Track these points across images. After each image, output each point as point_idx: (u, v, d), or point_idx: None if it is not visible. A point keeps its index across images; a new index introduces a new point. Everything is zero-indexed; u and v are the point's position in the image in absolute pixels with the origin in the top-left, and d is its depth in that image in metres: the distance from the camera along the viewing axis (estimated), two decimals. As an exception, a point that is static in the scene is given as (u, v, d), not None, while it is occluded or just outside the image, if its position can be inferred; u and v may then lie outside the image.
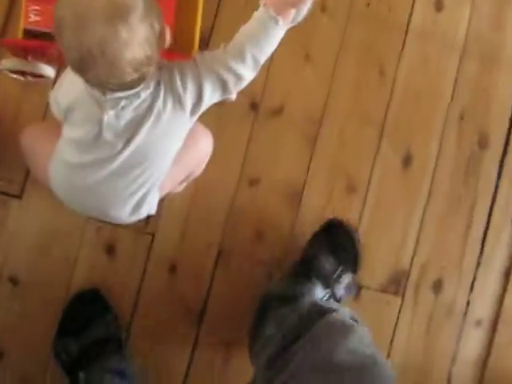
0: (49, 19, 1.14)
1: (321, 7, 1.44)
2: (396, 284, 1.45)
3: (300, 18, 1.07)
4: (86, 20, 0.88)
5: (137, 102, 1.02)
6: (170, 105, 1.04)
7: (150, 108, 1.03)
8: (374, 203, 1.45)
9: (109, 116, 1.02)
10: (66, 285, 1.36)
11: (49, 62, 1.29)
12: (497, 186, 1.48)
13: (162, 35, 0.98)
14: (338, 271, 1.28)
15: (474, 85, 1.49)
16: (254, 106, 1.42)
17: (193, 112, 1.08)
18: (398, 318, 1.43)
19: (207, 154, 1.30)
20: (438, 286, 1.46)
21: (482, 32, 1.50)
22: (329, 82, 1.45)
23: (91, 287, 1.34)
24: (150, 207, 1.19)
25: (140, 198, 1.14)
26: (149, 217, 1.33)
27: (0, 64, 1.28)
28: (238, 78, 1.05)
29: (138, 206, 1.15)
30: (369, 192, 1.45)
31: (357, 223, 1.43)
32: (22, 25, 1.22)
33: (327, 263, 1.28)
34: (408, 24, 1.48)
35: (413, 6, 1.48)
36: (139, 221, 1.27)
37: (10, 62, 1.27)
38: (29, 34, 1.22)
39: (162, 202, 1.34)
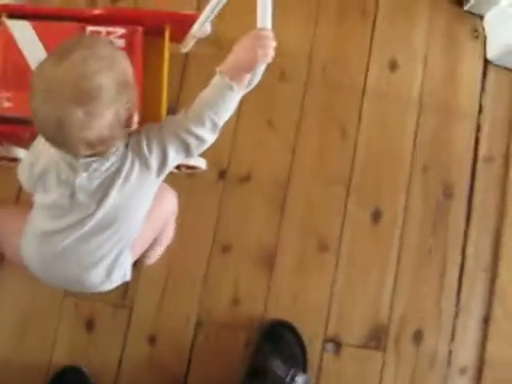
0: (21, 105, 1.29)
1: (279, 75, 1.60)
2: (376, 339, 1.55)
3: (255, 81, 1.17)
4: (53, 95, 1.02)
5: (107, 165, 1.13)
6: (137, 167, 1.15)
7: (119, 170, 1.14)
8: (347, 260, 1.56)
9: (81, 178, 1.13)
10: (46, 365, 1.45)
11: (21, 145, 1.40)
12: (466, 235, 1.60)
13: (128, 119, 1.10)
14: (290, 374, 1.37)
15: (433, 138, 1.63)
16: (221, 175, 1.54)
17: (159, 173, 1.18)
18: (381, 372, 1.51)
19: (173, 211, 1.40)
20: (418, 338, 1.55)
21: (435, 87, 1.66)
22: (292, 147, 1.58)
23: (72, 364, 1.46)
24: (123, 271, 1.27)
25: (112, 260, 1.22)
26: (126, 288, 1.47)
27: None
28: (200, 140, 1.15)
29: (110, 268, 1.23)
30: (341, 250, 1.56)
31: (331, 281, 1.58)
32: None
33: (278, 369, 1.37)
34: (364, 85, 1.63)
35: (367, 67, 1.64)
36: (116, 291, 1.40)
37: None
38: (1, 119, 1.33)
39: (138, 273, 1.48)
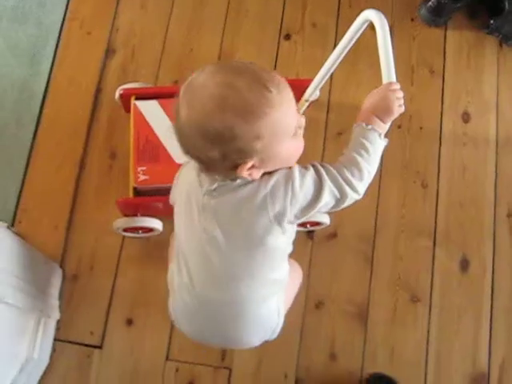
0: (155, 177, 1.50)
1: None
2: None
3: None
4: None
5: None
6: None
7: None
8: (440, 310, 1.63)
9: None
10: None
11: (155, 214, 1.58)
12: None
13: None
14: None
15: (514, 183, 1.76)
16: (309, 234, 1.67)
17: (294, 218, 1.11)
18: None
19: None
20: (519, 385, 1.63)
21: (510, 131, 1.79)
22: (376, 202, 1.70)
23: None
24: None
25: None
26: (224, 349, 1.59)
27: (114, 225, 1.56)
28: (353, 190, 1.12)
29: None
30: (433, 300, 1.64)
31: (426, 333, 1.66)
32: (131, 184, 1.51)
33: None
34: (440, 137, 1.76)
35: (441, 122, 1.78)
36: (215, 353, 1.54)
37: (121, 222, 1.55)
38: (139, 192, 1.54)
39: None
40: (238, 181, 1.07)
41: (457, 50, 1.87)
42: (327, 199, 1.11)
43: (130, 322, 1.61)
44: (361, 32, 1.23)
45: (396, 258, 1.69)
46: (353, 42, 1.27)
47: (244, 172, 1.03)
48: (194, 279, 1.18)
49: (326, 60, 1.36)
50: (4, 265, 1.32)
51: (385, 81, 1.15)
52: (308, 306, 1.64)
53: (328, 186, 1.10)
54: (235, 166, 1.03)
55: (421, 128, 1.79)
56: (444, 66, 1.85)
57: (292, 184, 1.07)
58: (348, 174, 1.11)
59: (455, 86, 1.83)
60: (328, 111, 1.78)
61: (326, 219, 1.61)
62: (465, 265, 1.69)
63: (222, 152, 1.00)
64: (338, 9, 1.88)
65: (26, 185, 1.69)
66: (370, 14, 1.16)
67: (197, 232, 1.14)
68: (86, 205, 1.69)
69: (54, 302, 1.59)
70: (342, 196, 1.12)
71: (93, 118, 1.75)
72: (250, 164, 1.02)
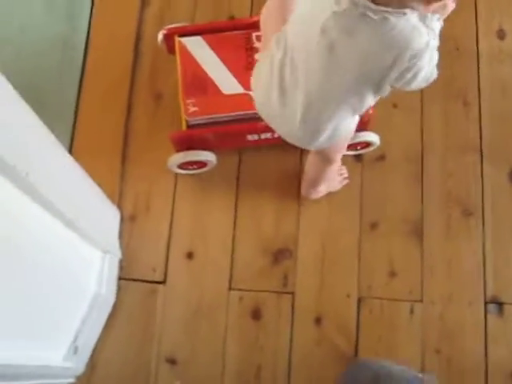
0: (205, 108, 1.58)
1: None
2: None
3: None
4: None
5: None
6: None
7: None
8: (492, 221, 1.71)
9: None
10: (221, 356, 1.65)
11: (209, 148, 1.65)
12: None
13: None
14: None
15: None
16: (358, 157, 1.76)
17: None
18: None
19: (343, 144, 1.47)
20: None
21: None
22: (419, 123, 1.78)
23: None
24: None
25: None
26: (286, 275, 1.67)
27: (169, 162, 1.65)
28: None
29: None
30: (485, 212, 1.71)
31: (481, 244, 1.72)
32: (183, 117, 1.59)
33: None
34: (478, 56, 1.85)
35: (477, 41, 1.87)
36: (277, 279, 1.64)
37: (176, 158, 1.63)
38: (189, 127, 1.60)
39: (294, 261, 1.70)
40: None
41: (487, -30, 1.95)
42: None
43: (190, 255, 1.70)
44: None
45: (445, 175, 1.77)
46: None
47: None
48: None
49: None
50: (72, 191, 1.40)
51: None
52: (363, 227, 1.73)
53: None
54: None
55: (457, 49, 1.88)
56: (474, -7, 1.93)
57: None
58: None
59: (488, 4, 1.92)
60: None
61: (376, 139, 1.69)
62: (514, 173, 1.77)
63: None
64: None
65: (76, 134, 1.79)
66: None
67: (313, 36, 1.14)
68: (137, 146, 1.78)
69: (115, 241, 1.68)
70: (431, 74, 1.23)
71: (135, 66, 1.85)
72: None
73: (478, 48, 1.88)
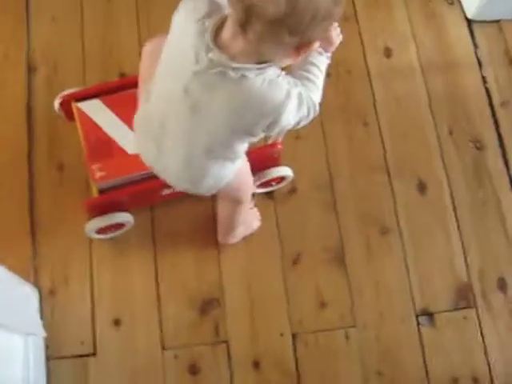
0: (113, 171, 1.57)
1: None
2: (464, 298, 1.71)
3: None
4: None
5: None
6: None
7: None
8: (410, 235, 1.76)
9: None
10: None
11: (122, 209, 1.64)
12: (510, 176, 1.85)
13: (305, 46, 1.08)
14: None
15: (446, 100, 1.91)
16: (268, 194, 1.78)
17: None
18: (480, 327, 1.68)
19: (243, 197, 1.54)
20: (503, 285, 1.73)
21: (432, 56, 1.97)
22: (324, 151, 1.83)
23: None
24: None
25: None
26: (217, 325, 1.67)
27: (86, 228, 1.62)
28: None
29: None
30: (401, 227, 1.76)
31: (402, 258, 1.75)
32: (92, 184, 1.58)
33: None
34: (369, 76, 1.92)
35: (366, 62, 1.94)
36: (208, 331, 1.64)
37: (94, 223, 1.61)
38: (101, 191, 1.59)
39: (222, 308, 1.69)
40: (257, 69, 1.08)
41: (362, -6, 2.03)
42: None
43: (117, 322, 1.68)
44: None
45: (357, 198, 1.82)
46: None
47: (302, 53, 1.09)
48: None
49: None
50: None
51: None
52: (285, 263, 1.75)
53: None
54: (298, 46, 1.06)
55: (349, 72, 1.94)
56: (355, 12, 2.02)
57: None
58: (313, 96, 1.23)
59: (370, 27, 2.00)
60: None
61: (289, 172, 1.73)
62: (422, 187, 1.83)
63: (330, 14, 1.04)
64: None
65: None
66: None
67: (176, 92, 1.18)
68: (46, 220, 1.76)
69: (36, 321, 1.64)
70: (309, 115, 1.24)
71: (31, 138, 1.83)
72: (316, 45, 1.10)
73: (368, 69, 1.95)
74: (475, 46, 1.99)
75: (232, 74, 1.08)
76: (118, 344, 1.67)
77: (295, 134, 1.85)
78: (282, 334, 1.69)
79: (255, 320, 1.70)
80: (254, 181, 1.68)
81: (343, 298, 1.73)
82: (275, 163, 1.67)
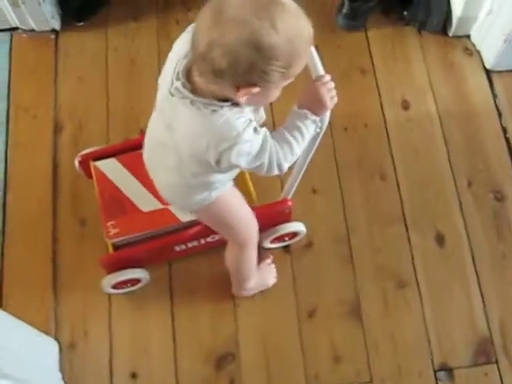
0: (126, 228, 1.64)
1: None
2: (484, 353, 1.70)
3: (324, 126, 1.30)
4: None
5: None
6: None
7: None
8: (428, 289, 1.76)
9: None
10: None
11: (139, 264, 1.71)
12: (532, 232, 1.85)
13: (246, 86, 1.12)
14: None
15: (465, 151, 1.92)
16: (285, 248, 1.82)
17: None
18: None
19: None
20: (524, 339, 1.74)
21: (451, 108, 1.99)
22: (341, 204, 1.86)
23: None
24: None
25: None
26: (232, 380, 1.71)
27: (103, 283, 1.69)
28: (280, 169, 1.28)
29: None
30: (419, 281, 1.77)
31: (421, 313, 1.75)
32: (106, 240, 1.65)
33: None
34: (386, 129, 1.95)
35: (384, 115, 1.98)
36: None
37: (109, 279, 1.68)
38: (116, 247, 1.67)
39: (238, 365, 1.73)
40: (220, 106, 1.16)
41: (381, 47, 2.09)
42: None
43: (134, 375, 1.73)
44: None
45: (374, 251, 1.83)
46: None
47: (242, 94, 1.13)
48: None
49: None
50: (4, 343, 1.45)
51: (314, 76, 1.29)
52: (301, 317, 1.77)
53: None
54: (238, 86, 1.11)
55: (366, 125, 1.98)
56: (373, 65, 2.06)
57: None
58: (282, 155, 1.27)
59: (388, 79, 2.04)
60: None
61: (301, 227, 1.77)
62: (440, 239, 1.84)
63: (252, 65, 1.07)
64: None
65: (4, 272, 1.83)
66: None
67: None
68: (67, 274, 1.83)
69: (56, 375, 1.70)
70: (270, 169, 1.28)
71: (56, 195, 1.92)
72: (255, 90, 1.12)
73: (385, 121, 1.98)
74: (494, 95, 2.01)
75: (190, 105, 1.17)
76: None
77: (312, 188, 1.90)
78: (298, 388, 1.71)
79: (271, 374, 1.72)
80: (267, 236, 1.73)
81: (359, 352, 1.74)
82: (286, 219, 1.71)
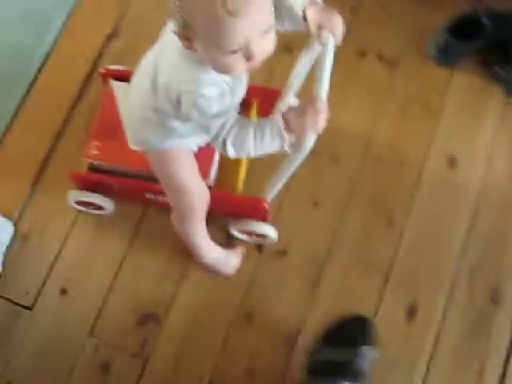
0: (106, 155, 1.64)
1: (331, 157, 1.83)
2: None
3: (303, 151, 1.25)
4: None
5: None
6: None
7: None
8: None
9: None
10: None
11: (108, 194, 1.72)
12: (510, 347, 1.69)
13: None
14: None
15: (488, 239, 1.76)
16: (259, 246, 1.75)
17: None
18: None
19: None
20: None
21: (497, 189, 1.80)
22: (335, 228, 1.77)
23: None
24: None
25: None
26: (146, 339, 1.69)
27: (67, 198, 1.72)
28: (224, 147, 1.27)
29: None
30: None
31: None
32: (83, 157, 1.67)
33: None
34: (419, 177, 1.81)
35: (425, 160, 1.83)
36: (137, 341, 1.69)
37: (72, 194, 1.72)
38: (93, 168, 1.68)
39: (160, 327, 1.72)
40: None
41: (460, 93, 1.92)
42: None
43: (63, 291, 1.76)
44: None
45: (342, 289, 1.74)
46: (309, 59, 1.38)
47: (183, 39, 1.16)
48: None
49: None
50: None
51: (313, 92, 1.23)
52: (238, 315, 1.72)
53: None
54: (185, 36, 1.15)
55: (401, 163, 1.84)
56: (442, 106, 1.90)
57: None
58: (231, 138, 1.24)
59: (449, 128, 1.88)
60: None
61: (271, 232, 1.71)
62: (412, 312, 1.72)
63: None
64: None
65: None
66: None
67: None
68: (55, 174, 1.87)
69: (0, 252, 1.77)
70: (214, 140, 1.28)
71: (80, 95, 1.95)
72: (197, 45, 1.15)
73: (422, 168, 1.84)
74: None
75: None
76: (55, 311, 1.75)
77: (314, 200, 1.81)
78: (199, 379, 1.68)
79: (182, 353, 1.71)
80: (235, 224, 1.70)
81: (273, 377, 1.68)
82: (260, 217, 1.66)
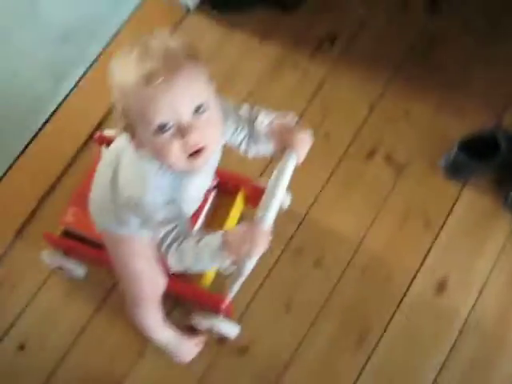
0: (81, 223, 1.63)
1: (315, 260, 1.75)
2: None
3: (243, 271, 1.24)
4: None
5: None
6: None
7: None
8: None
9: None
10: None
11: (83, 260, 1.73)
12: None
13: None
14: None
15: (468, 370, 1.64)
16: (221, 340, 1.69)
17: None
18: None
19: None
20: None
21: (486, 319, 1.68)
22: (302, 336, 1.68)
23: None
24: None
25: None
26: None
27: (42, 256, 1.74)
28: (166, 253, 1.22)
29: None
30: None
31: None
32: (60, 223, 1.67)
33: None
34: (403, 297, 1.70)
35: (411, 281, 1.72)
36: None
37: (44, 254, 1.73)
38: (68, 233, 1.68)
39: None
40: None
41: (465, 213, 1.80)
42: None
43: (22, 347, 1.76)
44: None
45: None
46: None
47: (131, 139, 1.18)
48: None
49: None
50: None
51: (257, 217, 1.17)
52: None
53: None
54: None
55: (387, 279, 1.74)
56: (443, 224, 1.78)
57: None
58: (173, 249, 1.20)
59: (446, 248, 1.77)
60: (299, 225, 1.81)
61: (232, 332, 1.66)
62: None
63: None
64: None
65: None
66: None
67: None
68: (41, 226, 1.86)
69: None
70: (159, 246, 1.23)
71: (82, 150, 1.96)
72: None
73: (408, 288, 1.73)
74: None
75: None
76: (8, 365, 1.75)
77: (287, 303, 1.75)
78: None
79: None
80: (199, 314, 1.65)
81: None
82: (223, 313, 1.62)
